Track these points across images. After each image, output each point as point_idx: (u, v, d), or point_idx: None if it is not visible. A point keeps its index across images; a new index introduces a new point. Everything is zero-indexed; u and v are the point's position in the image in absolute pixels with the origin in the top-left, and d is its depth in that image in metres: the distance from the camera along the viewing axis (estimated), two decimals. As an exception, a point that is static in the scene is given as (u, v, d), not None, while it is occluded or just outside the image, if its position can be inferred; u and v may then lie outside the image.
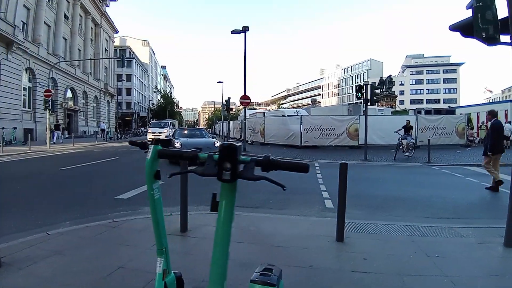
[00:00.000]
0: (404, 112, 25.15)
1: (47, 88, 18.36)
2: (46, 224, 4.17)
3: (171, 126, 24.44)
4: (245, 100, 15.40)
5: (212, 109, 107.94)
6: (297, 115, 18.63)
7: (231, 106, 23.32)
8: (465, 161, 11.84)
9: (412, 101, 76.72)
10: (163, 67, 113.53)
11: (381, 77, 42.36)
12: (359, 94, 12.39)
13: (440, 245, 3.37)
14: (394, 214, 4.96)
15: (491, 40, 3.06)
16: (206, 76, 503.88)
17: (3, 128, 17.15)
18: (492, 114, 6.78)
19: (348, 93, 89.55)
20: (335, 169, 7.18)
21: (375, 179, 8.55)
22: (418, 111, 22.64)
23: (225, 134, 25.98)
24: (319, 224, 4.19)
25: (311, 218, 4.49)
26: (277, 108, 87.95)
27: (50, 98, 18.25)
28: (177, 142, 10.56)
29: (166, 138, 15.90)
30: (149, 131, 23.57)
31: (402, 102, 76.76)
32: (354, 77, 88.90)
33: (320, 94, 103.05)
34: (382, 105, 31.97)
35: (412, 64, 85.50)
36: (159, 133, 21.22)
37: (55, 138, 21.22)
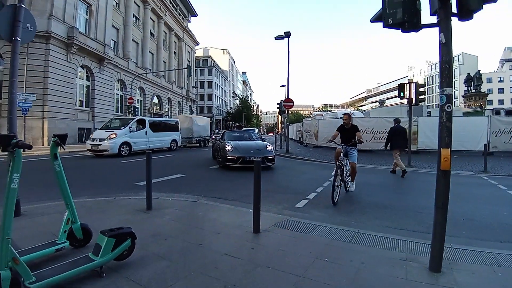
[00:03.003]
0: (479, 112, 21.19)
1: (129, 96, 21.62)
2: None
3: (138, 126, 15.36)
4: (288, 103, 15.55)
5: (294, 111, 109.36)
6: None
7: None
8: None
9: (514, 100, 63.52)
10: (244, 73, 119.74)
11: (468, 73, 36.22)
12: (401, 94, 11.26)
13: None
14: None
15: (400, 26, 2.79)
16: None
17: (96, 128, 21.00)
18: None
19: (436, 93, 79.39)
20: (364, 174, 8.19)
21: (403, 188, 7.86)
22: (496, 112, 18.94)
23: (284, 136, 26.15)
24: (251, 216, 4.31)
25: (263, 213, 4.59)
26: (356, 109, 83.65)
27: (133, 104, 21.58)
28: (228, 145, 9.97)
29: (103, 148, 13.03)
30: (91, 136, 14.83)
31: (501, 102, 64.34)
32: (443, 74, 78.49)
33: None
34: (470, 106, 27.55)
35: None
36: (101, 140, 13.64)
37: None
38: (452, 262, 2.99)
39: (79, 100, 22.60)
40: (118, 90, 27.81)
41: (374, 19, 3.07)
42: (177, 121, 19.77)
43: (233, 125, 74.85)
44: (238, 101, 75.61)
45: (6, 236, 2.06)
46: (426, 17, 2.95)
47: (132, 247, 2.86)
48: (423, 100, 11.76)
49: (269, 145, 10.88)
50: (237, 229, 3.84)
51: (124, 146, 14.13)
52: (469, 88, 33.69)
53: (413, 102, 11.24)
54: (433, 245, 2.79)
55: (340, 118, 19.12)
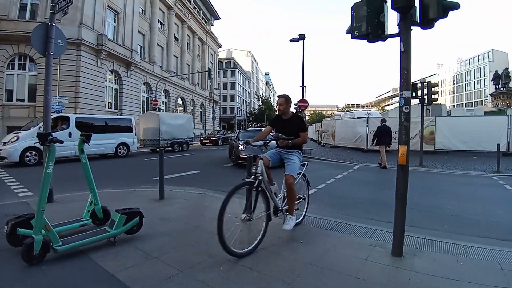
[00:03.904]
0: (501, 112, 20.19)
1: (153, 98, 22.84)
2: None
3: (61, 127, 12.17)
4: (303, 104, 15.87)
5: (316, 111, 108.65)
6: (364, 117, 17.67)
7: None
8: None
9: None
10: (267, 74, 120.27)
11: (496, 71, 34.45)
12: (414, 94, 11.23)
13: None
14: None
15: (365, 37, 3.19)
16: (313, 79, 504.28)
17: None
18: None
19: (466, 91, 75.78)
20: (370, 173, 7.44)
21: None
22: None
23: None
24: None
25: (260, 205, 5.07)
26: (379, 110, 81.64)
27: (157, 106, 22.76)
28: (240, 145, 10.50)
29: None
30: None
31: None
32: (473, 72, 74.55)
33: (437, 92, 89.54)
34: (498, 104, 26.34)
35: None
36: (4, 143, 11.13)
37: None
38: (419, 250, 3.26)
39: (108, 102, 24.13)
40: (144, 92, 29.30)
41: (347, 31, 3.47)
42: (130, 119, 15.99)
43: (256, 125, 75.68)
44: (260, 101, 76.47)
45: (41, 208, 2.72)
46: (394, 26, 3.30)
47: (140, 224, 3.48)
48: (436, 100, 11.71)
49: None
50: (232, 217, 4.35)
51: (31, 152, 10.88)
52: (497, 86, 32.12)
53: (425, 102, 11.22)
54: (394, 232, 3.13)
55: (358, 118, 19.20)
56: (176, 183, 7.13)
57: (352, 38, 3.30)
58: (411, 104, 3.19)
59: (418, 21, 3.10)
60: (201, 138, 26.73)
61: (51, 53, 4.78)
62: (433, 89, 11.41)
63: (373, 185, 7.68)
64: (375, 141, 11.41)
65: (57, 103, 17.21)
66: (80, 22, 20.43)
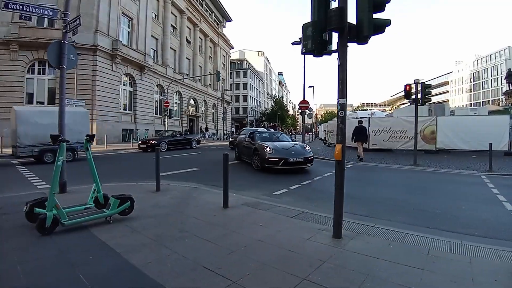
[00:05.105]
0: (506, 111, 19.89)
1: (165, 100, 23.98)
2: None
3: None
4: (303, 104, 16.42)
5: (329, 110, 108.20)
6: (366, 117, 18.02)
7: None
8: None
9: None
10: (280, 74, 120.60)
11: (509, 69, 33.64)
12: (408, 95, 11.62)
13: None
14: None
15: (311, 53, 3.85)
16: (330, 77, 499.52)
17: (137, 130, 23.65)
18: None
19: (483, 89, 73.56)
20: (359, 171, 9.26)
21: (387, 183, 8.61)
22: None
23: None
24: (236, 199, 5.57)
25: (242, 197, 5.85)
26: (392, 110, 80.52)
27: (168, 107, 23.88)
28: (267, 147, 9.53)
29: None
30: None
31: None
32: (490, 69, 72.35)
33: (447, 91, 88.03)
34: (511, 103, 25.91)
35: None
36: None
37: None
38: (359, 234, 3.77)
39: (123, 104, 25.47)
40: (158, 94, 30.58)
41: (296, 43, 4.14)
42: None
43: (268, 125, 76.26)
44: (273, 101, 77.06)
45: (53, 191, 3.56)
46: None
47: (131, 207, 4.30)
48: (429, 100, 12.03)
49: (306, 146, 10.58)
50: (213, 205, 5.11)
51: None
52: (510, 84, 31.45)
53: (419, 102, 11.57)
54: (334, 217, 3.75)
55: (361, 118, 19.55)
56: (176, 178, 8.02)
57: (302, 53, 3.97)
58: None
59: (354, 39, 3.73)
60: (139, 142, 18.89)
61: (64, 66, 5.68)
62: (443, 88, 11.71)
63: (355, 182, 8.23)
64: (353, 138, 13.31)
65: (74, 106, 18.54)
66: (95, 29, 21.78)
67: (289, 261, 2.96)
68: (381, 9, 3.75)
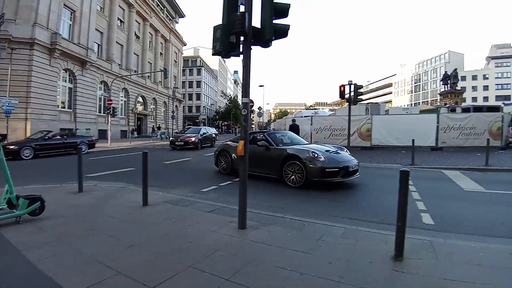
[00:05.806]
0: (435, 110, 22.56)
1: (108, 97, 22.78)
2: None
3: None
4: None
5: (282, 109, 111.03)
6: (309, 116, 19.04)
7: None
8: (455, 164, 10.94)
9: (498, 97, 64.99)
10: (235, 72, 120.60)
11: (446, 72, 37.96)
12: (342, 94, 12.53)
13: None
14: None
15: (220, 54, 4.07)
16: (287, 77, 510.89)
17: (77, 129, 22.20)
18: None
19: (423, 90, 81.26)
20: None
21: None
22: (451, 109, 20.36)
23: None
24: (161, 197, 5.64)
25: (168, 195, 5.90)
26: (340, 108, 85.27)
27: (111, 105, 22.73)
28: (316, 154, 6.96)
29: None
30: None
31: (486, 99, 66.25)
32: (430, 72, 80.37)
33: (391, 93, 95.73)
34: (445, 103, 29.02)
35: (498, 55, 72.76)
36: None
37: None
38: (264, 225, 3.98)
39: (62, 102, 23.72)
40: (102, 91, 28.92)
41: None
42: None
43: (222, 124, 76.07)
44: (227, 100, 76.99)
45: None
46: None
47: (42, 207, 4.23)
48: (361, 100, 13.05)
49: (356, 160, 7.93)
50: (132, 203, 5.11)
51: None
52: (445, 86, 35.27)
53: (352, 102, 12.49)
54: (239, 208, 3.99)
55: (304, 117, 20.57)
56: (109, 179, 7.78)
57: (212, 54, 4.17)
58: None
59: (259, 42, 4.02)
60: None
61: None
62: (388, 89, 12.67)
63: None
64: None
65: (7, 104, 16.84)
66: (34, 21, 20.13)
67: (185, 251, 3.16)
68: (284, 15, 4.10)
